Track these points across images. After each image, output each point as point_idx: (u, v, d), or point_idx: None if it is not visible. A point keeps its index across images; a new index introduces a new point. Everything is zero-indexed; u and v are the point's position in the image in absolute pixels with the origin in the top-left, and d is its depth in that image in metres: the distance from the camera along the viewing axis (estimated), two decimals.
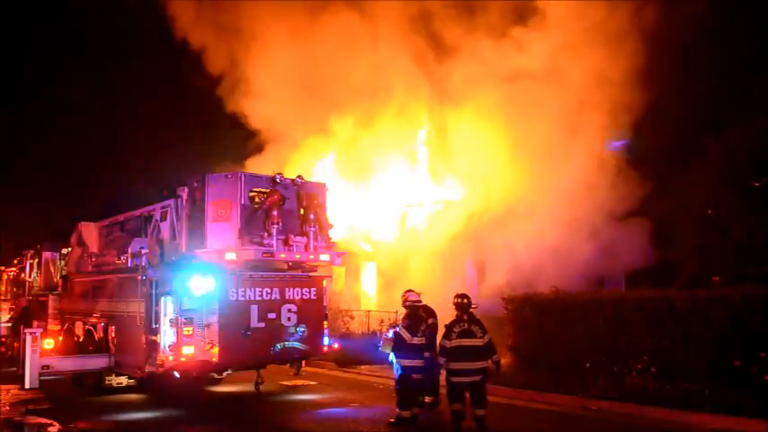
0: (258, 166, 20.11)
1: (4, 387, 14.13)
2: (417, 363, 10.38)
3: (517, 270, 19.22)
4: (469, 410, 9.75)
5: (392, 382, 11.02)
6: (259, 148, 23.43)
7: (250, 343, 12.00)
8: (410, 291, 11.13)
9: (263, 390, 12.88)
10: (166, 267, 12.30)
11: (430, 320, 11.03)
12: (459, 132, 21.40)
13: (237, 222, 11.83)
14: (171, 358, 11.54)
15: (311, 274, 13.24)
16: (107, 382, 13.45)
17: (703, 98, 18.19)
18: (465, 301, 10.04)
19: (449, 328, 9.91)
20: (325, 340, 13.27)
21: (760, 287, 11.60)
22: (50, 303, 16.50)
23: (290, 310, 12.62)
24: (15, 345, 17.29)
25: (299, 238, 12.41)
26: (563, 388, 12.17)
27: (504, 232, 19.84)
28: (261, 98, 23.04)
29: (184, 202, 12.68)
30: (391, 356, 10.70)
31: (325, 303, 13.35)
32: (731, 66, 18.56)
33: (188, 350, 11.55)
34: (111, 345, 13.41)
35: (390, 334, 10.90)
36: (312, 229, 12.55)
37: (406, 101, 22.36)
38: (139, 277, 12.37)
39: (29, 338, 12.52)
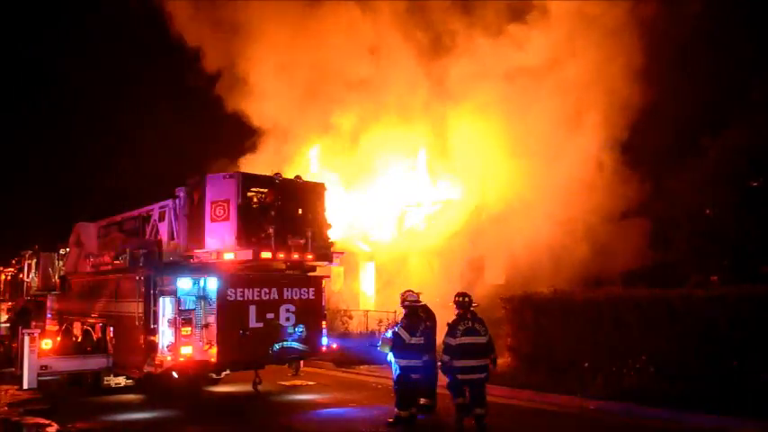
0: (256, 164, 20.13)
1: (2, 387, 14.11)
2: (416, 363, 10.38)
3: (515, 269, 19.26)
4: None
5: (390, 383, 11.02)
6: (257, 147, 23.42)
7: (248, 343, 12.01)
8: (409, 291, 11.09)
9: (262, 390, 12.88)
10: (165, 267, 12.29)
11: (428, 322, 11.02)
12: (458, 132, 21.41)
13: (236, 222, 11.82)
14: (169, 358, 11.54)
15: (309, 274, 13.24)
16: (105, 383, 13.42)
17: (701, 98, 18.24)
18: (466, 299, 10.15)
19: (453, 326, 9.98)
20: (324, 340, 13.28)
21: (758, 287, 11.64)
22: (49, 304, 16.49)
23: (288, 310, 12.62)
24: (13, 345, 17.27)
25: (297, 239, 12.41)
26: (561, 388, 12.17)
27: (501, 232, 19.87)
28: (259, 96, 23.03)
29: (183, 202, 12.68)
30: (390, 356, 10.69)
31: (323, 303, 13.36)
32: (729, 66, 18.61)
33: (186, 350, 11.56)
34: (109, 345, 13.40)
35: (389, 334, 10.89)
36: (310, 228, 12.55)
37: (405, 100, 22.35)
38: (138, 277, 12.36)
39: (27, 339, 12.51)
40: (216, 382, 14.51)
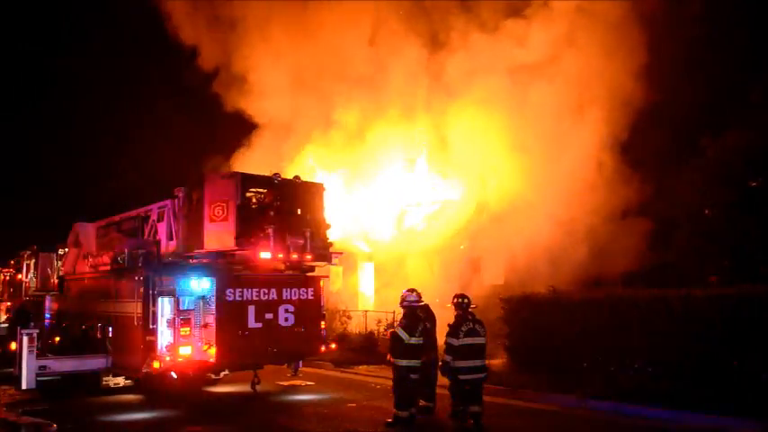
0: (255, 163, 20.11)
1: (1, 388, 14.09)
2: (415, 363, 10.37)
3: (514, 269, 19.25)
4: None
5: (389, 383, 11.01)
6: (255, 145, 23.39)
7: (247, 343, 12.00)
8: (410, 290, 11.03)
9: (261, 390, 12.88)
10: (163, 268, 12.28)
11: (427, 323, 11.00)
12: (458, 131, 21.40)
13: (235, 223, 11.81)
14: (168, 359, 11.54)
15: (308, 274, 13.23)
16: (104, 383, 13.42)
17: (701, 99, 18.26)
18: (465, 301, 10.45)
19: (455, 327, 10.21)
20: (323, 340, 13.27)
21: (757, 287, 11.63)
22: (47, 304, 16.46)
23: (287, 311, 12.62)
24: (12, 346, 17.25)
25: (296, 239, 12.41)
26: (560, 388, 12.19)
27: (501, 232, 19.86)
28: (256, 94, 23.05)
29: (181, 202, 12.68)
30: (389, 356, 10.69)
31: (322, 303, 13.35)
32: (728, 67, 18.61)
33: (185, 350, 11.57)
34: (108, 345, 13.40)
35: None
36: (309, 229, 12.55)
37: (405, 99, 22.33)
38: (136, 278, 12.36)
39: (26, 339, 12.49)
40: (215, 383, 14.50)
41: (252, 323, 12.13)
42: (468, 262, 21.68)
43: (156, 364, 11.56)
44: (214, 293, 11.80)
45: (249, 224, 11.90)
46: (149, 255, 12.79)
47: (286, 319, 12.58)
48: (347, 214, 21.58)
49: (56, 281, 16.79)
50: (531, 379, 13.00)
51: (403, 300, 10.90)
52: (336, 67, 22.90)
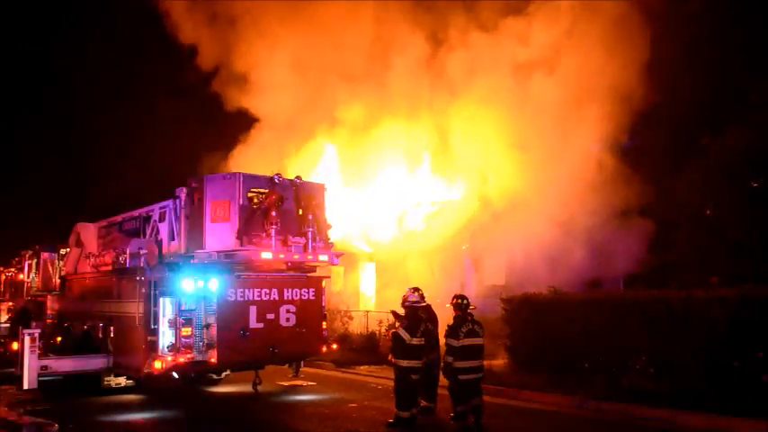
0: (255, 162, 20.10)
1: (2, 388, 14.11)
2: (416, 363, 10.38)
3: (515, 270, 19.25)
4: None
5: (391, 383, 11.03)
6: (256, 145, 23.39)
7: (248, 343, 12.01)
8: (413, 290, 11.00)
9: (262, 390, 12.88)
10: (165, 268, 12.29)
11: (429, 323, 11.01)
12: (459, 131, 21.39)
13: (236, 223, 11.83)
14: (170, 359, 11.54)
15: (310, 274, 13.24)
16: (106, 383, 13.44)
17: (702, 98, 18.23)
18: (464, 301, 10.60)
19: (455, 328, 10.34)
20: (324, 341, 13.28)
21: (758, 287, 11.62)
22: (49, 304, 16.48)
23: (288, 311, 12.63)
24: (13, 346, 17.27)
25: (297, 239, 12.42)
26: (561, 388, 12.19)
27: (502, 232, 19.86)
28: (255, 93, 23.04)
29: (183, 202, 12.68)
30: (390, 356, 10.70)
31: (323, 304, 13.37)
32: (730, 66, 18.59)
33: (187, 351, 11.55)
34: (109, 345, 13.41)
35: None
36: (311, 229, 12.56)
37: (405, 99, 22.33)
38: (138, 278, 12.37)
39: (27, 339, 12.50)
40: (216, 383, 14.52)
41: (253, 323, 12.14)
42: (469, 262, 21.69)
43: (157, 365, 11.56)
44: (215, 294, 11.81)
45: (250, 224, 11.90)
46: (151, 255, 12.81)
47: (287, 320, 12.59)
48: (348, 214, 21.58)
49: (57, 281, 16.80)
50: (531, 379, 13.00)
51: (404, 300, 10.90)
52: (336, 65, 22.89)
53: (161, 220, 13.19)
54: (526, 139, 19.80)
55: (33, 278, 18.07)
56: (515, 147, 19.91)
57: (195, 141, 28.28)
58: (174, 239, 12.82)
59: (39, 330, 13.31)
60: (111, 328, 13.37)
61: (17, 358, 12.98)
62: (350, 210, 21.89)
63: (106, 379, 13.44)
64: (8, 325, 19.64)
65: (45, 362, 12.84)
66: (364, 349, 18.27)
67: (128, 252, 13.13)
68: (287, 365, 13.56)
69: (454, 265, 21.57)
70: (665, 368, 11.49)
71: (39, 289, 17.55)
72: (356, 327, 20.45)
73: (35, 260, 17.95)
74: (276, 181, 12.34)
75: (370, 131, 22.65)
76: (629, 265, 17.70)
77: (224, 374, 14.12)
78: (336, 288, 22.33)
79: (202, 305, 11.77)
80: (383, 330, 18.60)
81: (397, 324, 10.72)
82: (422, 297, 10.93)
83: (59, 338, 15.44)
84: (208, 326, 11.73)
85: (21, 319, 17.69)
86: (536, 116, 19.56)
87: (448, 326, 10.59)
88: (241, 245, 11.77)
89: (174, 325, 11.60)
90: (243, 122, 23.73)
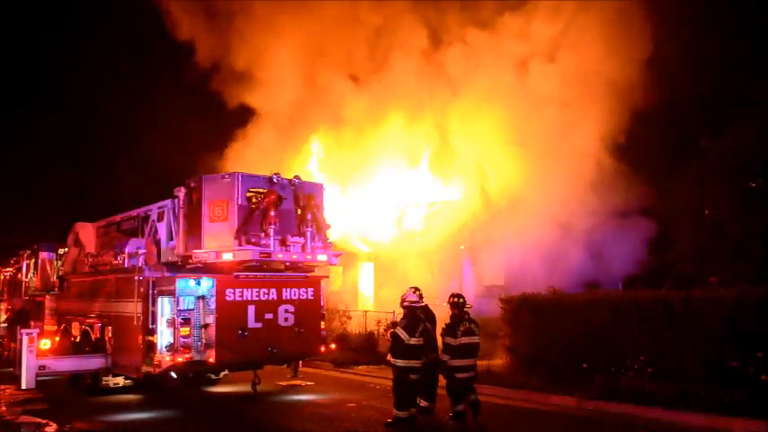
0: (255, 162, 20.10)
1: (0, 387, 14.09)
2: (415, 363, 10.37)
3: (513, 270, 19.24)
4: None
5: (389, 383, 11.01)
6: (256, 144, 23.38)
7: (247, 343, 11.99)
8: (413, 289, 10.97)
9: (260, 390, 12.87)
10: (163, 268, 12.28)
11: (428, 323, 10.99)
12: (458, 131, 21.39)
13: (234, 223, 11.81)
14: (168, 359, 11.52)
15: (308, 274, 13.22)
16: (104, 383, 13.41)
17: (701, 98, 18.24)
18: (461, 300, 10.67)
19: (453, 327, 10.44)
20: (323, 341, 13.27)
21: (756, 287, 11.62)
22: (47, 304, 16.45)
23: (287, 311, 12.61)
24: (12, 345, 17.25)
25: (296, 239, 12.40)
26: (560, 388, 12.19)
27: (501, 233, 19.85)
28: (257, 92, 23.03)
29: (181, 202, 12.66)
30: (389, 356, 10.69)
31: (322, 304, 13.35)
32: (730, 65, 18.59)
33: (185, 350, 11.53)
34: (108, 345, 13.37)
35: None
36: (309, 229, 12.54)
37: (404, 98, 22.32)
38: (136, 277, 12.33)
39: (25, 339, 12.47)
40: (214, 383, 14.51)
41: (252, 323, 12.12)
42: (467, 262, 21.68)
43: (155, 364, 11.55)
44: (214, 293, 11.79)
45: (249, 224, 11.88)
46: (149, 255, 12.79)
47: (286, 320, 12.57)
48: (347, 214, 21.57)
49: (56, 280, 16.77)
50: (531, 379, 13.00)
51: (403, 300, 10.88)
52: (336, 64, 22.89)
53: (159, 219, 13.18)
54: (526, 138, 19.79)
55: (32, 278, 18.04)
56: (514, 147, 19.91)
57: (194, 141, 28.30)
58: (172, 239, 12.80)
59: (37, 330, 13.29)
60: (110, 327, 13.33)
61: (16, 358, 12.96)
62: (349, 209, 21.88)
63: (104, 379, 13.41)
64: (6, 325, 19.62)
65: (43, 361, 12.82)
66: (363, 349, 18.25)
67: (126, 252, 13.12)
68: (285, 365, 13.55)
69: (453, 264, 21.55)
70: (664, 368, 11.48)
71: (37, 289, 17.51)
72: (355, 326, 20.44)
73: (33, 260, 17.93)
74: (275, 181, 12.32)
75: (369, 131, 22.64)
76: (628, 266, 17.69)
77: (222, 374, 14.10)
78: (335, 288, 22.33)
79: (201, 305, 11.74)
80: (382, 330, 18.59)
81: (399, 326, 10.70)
82: (420, 297, 10.91)
83: (57, 338, 15.42)
84: (206, 326, 11.70)
85: (19, 318, 17.68)
86: (536, 116, 19.57)
87: (445, 324, 10.62)
88: (239, 245, 11.75)
89: (172, 325, 11.58)
90: (242, 122, 23.75)
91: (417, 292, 10.88)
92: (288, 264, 12.73)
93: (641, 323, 12.15)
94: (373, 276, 24.43)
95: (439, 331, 10.93)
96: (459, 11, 21.47)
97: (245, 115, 23.53)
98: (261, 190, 12.26)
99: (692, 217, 18.75)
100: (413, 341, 10.35)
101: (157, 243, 13.03)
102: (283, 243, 12.20)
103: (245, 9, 22.98)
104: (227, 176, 12.20)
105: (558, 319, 13.69)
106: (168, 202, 12.90)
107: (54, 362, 13.21)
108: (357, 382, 15.27)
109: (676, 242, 18.59)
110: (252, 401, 12.69)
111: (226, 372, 13.60)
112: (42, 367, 12.66)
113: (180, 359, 11.48)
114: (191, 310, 11.65)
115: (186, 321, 11.57)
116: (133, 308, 12.30)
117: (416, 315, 10.74)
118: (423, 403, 10.99)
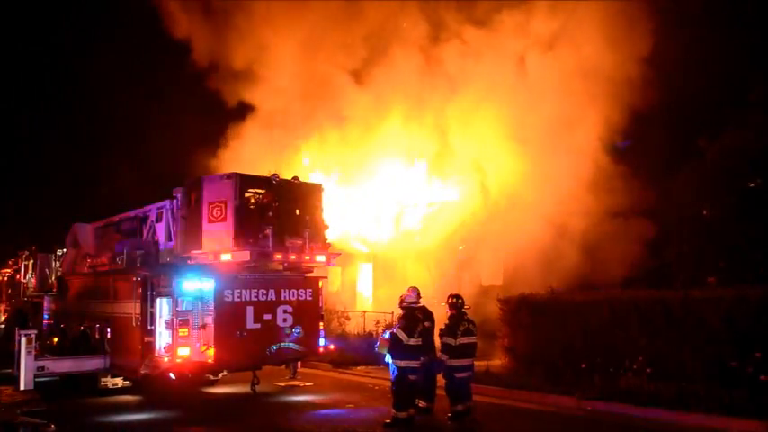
0: (253, 162, 20.06)
1: None
2: (413, 364, 10.37)
3: (512, 270, 19.22)
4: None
5: (388, 383, 11.01)
6: (255, 144, 23.35)
7: (246, 344, 12.00)
8: (412, 289, 10.98)
9: (259, 391, 12.87)
10: (162, 268, 12.27)
11: (426, 323, 11.00)
12: (457, 131, 21.37)
13: (233, 223, 11.81)
14: (166, 359, 11.53)
15: (307, 275, 13.22)
16: (102, 384, 13.39)
17: (700, 98, 18.24)
18: (460, 301, 10.78)
19: (452, 327, 10.54)
20: (321, 341, 13.28)
21: (755, 287, 11.63)
22: (45, 304, 16.46)
23: (285, 311, 12.61)
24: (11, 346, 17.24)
25: (294, 239, 12.40)
26: (559, 388, 12.18)
27: (500, 233, 19.83)
28: (256, 92, 23.00)
29: (180, 202, 12.68)
30: (387, 357, 10.69)
31: (320, 304, 13.36)
32: (728, 66, 18.60)
33: (183, 351, 11.54)
34: (106, 346, 13.37)
35: (387, 335, 10.91)
36: (308, 230, 12.54)
37: (405, 99, 22.30)
38: (135, 278, 12.34)
39: (24, 340, 12.47)
40: (213, 383, 14.48)
41: (250, 324, 12.12)
42: (466, 263, 21.67)
43: (154, 365, 11.54)
44: (212, 294, 11.78)
45: (248, 225, 11.89)
46: (148, 255, 12.80)
47: (284, 320, 12.57)
48: (346, 215, 21.56)
49: (54, 281, 16.77)
50: (529, 380, 12.99)
51: (402, 300, 10.90)
52: (335, 63, 22.87)
53: (158, 220, 13.19)
54: (525, 135, 19.78)
55: (30, 279, 18.06)
56: (513, 147, 19.89)
57: (193, 140, 28.25)
58: (171, 240, 12.81)
59: (35, 331, 13.29)
60: (108, 328, 13.34)
61: (14, 359, 12.94)
62: (347, 210, 21.87)
63: (103, 380, 13.39)
64: (4, 326, 19.62)
65: (42, 362, 12.81)
66: (361, 349, 18.23)
67: (125, 252, 13.12)
68: (284, 366, 13.54)
69: (451, 265, 21.54)
70: (663, 368, 11.49)
71: (35, 290, 17.53)
72: (353, 327, 20.43)
73: (32, 261, 17.95)
74: (273, 181, 12.34)
75: (368, 130, 22.62)
76: (626, 267, 17.69)
77: (221, 375, 14.08)
78: (333, 288, 22.30)
79: (199, 305, 11.74)
80: (380, 331, 18.56)
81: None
82: (418, 297, 10.92)
83: (56, 339, 15.41)
84: (205, 326, 11.70)
85: (17, 319, 17.68)
86: (534, 113, 19.55)
87: (444, 325, 10.65)
88: (238, 245, 11.75)
89: (170, 325, 11.59)
90: (241, 121, 23.71)
91: (415, 293, 10.89)
92: (286, 264, 12.74)
93: (640, 323, 12.16)
94: (372, 276, 24.41)
95: (437, 331, 10.94)
96: (455, 9, 21.46)
97: (243, 114, 23.51)
98: (259, 191, 12.28)
99: (689, 217, 18.75)
100: (412, 341, 10.36)
101: (156, 244, 13.05)
102: (282, 244, 12.22)
103: (243, 6, 22.96)
104: (225, 177, 12.20)
105: (557, 319, 13.71)
106: (167, 202, 12.91)
107: (53, 363, 13.21)
108: (356, 382, 15.26)
109: (674, 242, 18.60)
110: (251, 402, 12.68)
111: (224, 372, 13.58)
112: (41, 368, 12.66)
113: (178, 360, 11.48)
114: (189, 310, 11.66)
115: (185, 322, 11.58)
116: (132, 309, 12.31)
117: (415, 315, 10.75)
118: (422, 403, 11.00)
